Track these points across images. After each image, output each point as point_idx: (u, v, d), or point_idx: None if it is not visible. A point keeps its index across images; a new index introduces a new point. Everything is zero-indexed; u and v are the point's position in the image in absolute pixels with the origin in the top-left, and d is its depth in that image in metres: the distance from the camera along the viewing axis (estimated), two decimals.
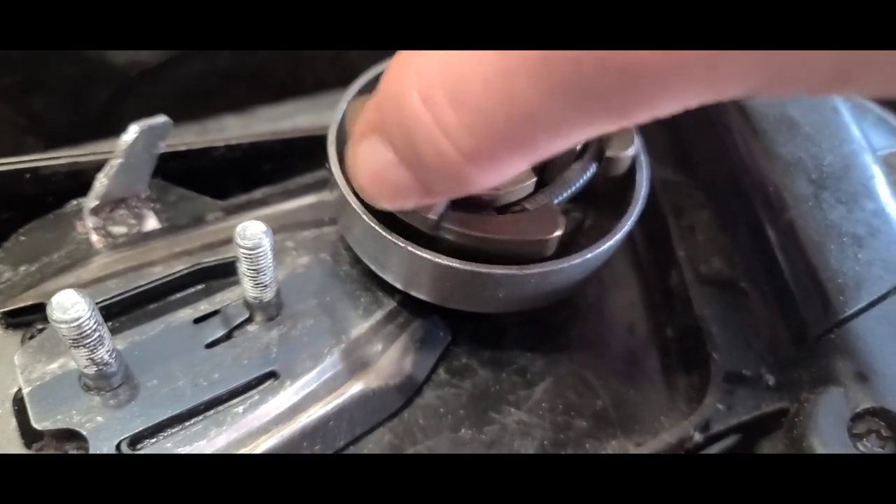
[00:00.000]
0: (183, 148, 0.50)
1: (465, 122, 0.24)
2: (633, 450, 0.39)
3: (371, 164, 0.29)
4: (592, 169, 0.40)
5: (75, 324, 0.33)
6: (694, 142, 0.51)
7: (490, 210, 0.37)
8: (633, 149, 0.40)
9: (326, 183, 0.50)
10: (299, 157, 0.54)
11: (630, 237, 0.50)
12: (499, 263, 0.36)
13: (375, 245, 0.39)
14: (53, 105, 0.68)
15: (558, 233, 0.37)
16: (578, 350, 0.45)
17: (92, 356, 0.35)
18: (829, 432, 0.33)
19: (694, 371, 0.44)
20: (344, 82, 0.45)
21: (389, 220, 0.38)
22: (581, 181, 0.39)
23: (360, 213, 0.38)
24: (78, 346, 0.34)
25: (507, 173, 0.26)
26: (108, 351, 0.36)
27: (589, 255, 0.38)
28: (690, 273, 0.46)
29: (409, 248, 0.37)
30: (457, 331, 0.44)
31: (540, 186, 0.38)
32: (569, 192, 0.38)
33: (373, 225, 0.38)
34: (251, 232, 0.36)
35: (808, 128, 0.46)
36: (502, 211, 0.38)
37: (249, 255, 0.36)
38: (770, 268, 0.42)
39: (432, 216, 0.36)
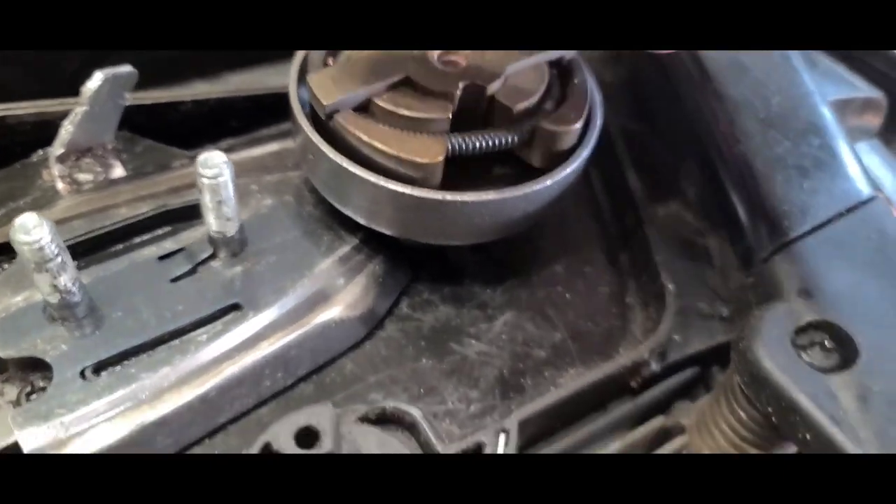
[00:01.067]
0: (149, 101, 0.51)
1: None
2: (588, 375, 0.40)
3: None
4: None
5: (37, 245, 0.33)
6: (651, 91, 0.53)
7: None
8: (579, 123, 0.41)
9: (289, 134, 0.51)
10: (266, 113, 0.55)
11: (587, 180, 0.52)
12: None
13: (339, 180, 0.40)
14: (22, 74, 0.68)
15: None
16: (537, 286, 0.46)
17: (55, 282, 0.35)
18: (773, 343, 0.35)
19: (650, 306, 0.46)
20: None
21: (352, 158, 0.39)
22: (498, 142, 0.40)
23: (325, 150, 0.39)
24: (41, 271, 0.35)
25: None
26: (72, 279, 0.36)
27: (549, 182, 0.39)
28: (646, 214, 0.48)
29: (372, 178, 0.38)
30: (418, 269, 0.46)
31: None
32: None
33: (337, 160, 0.39)
34: (213, 161, 0.37)
35: (758, 72, 0.47)
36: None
37: (211, 183, 0.37)
38: (721, 201, 0.43)
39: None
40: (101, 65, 0.46)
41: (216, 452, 0.37)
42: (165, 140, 0.51)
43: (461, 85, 0.40)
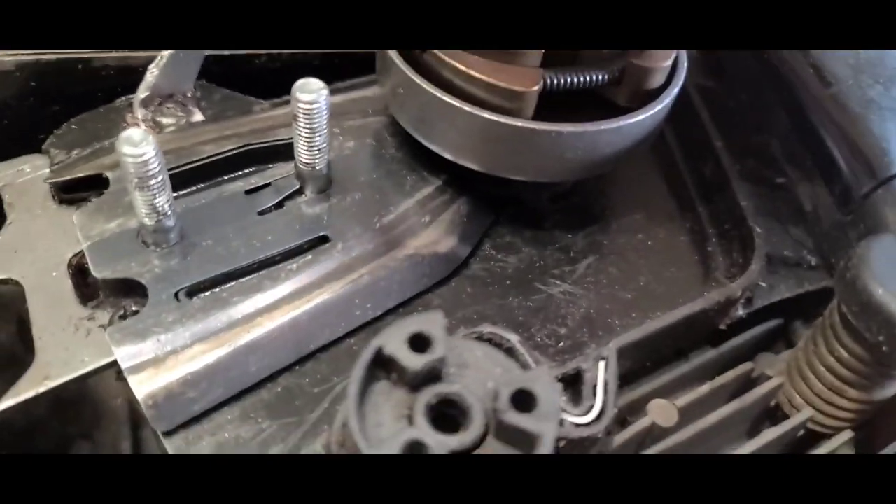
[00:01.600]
0: (226, 53, 0.51)
1: None
2: (681, 310, 0.39)
3: None
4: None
5: (142, 159, 0.33)
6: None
7: None
8: (669, 61, 0.41)
9: (366, 85, 0.51)
10: (336, 72, 0.55)
11: (661, 136, 0.51)
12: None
13: (429, 113, 0.40)
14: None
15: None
16: (617, 233, 0.46)
17: (154, 201, 0.36)
18: (883, 270, 0.34)
19: (734, 254, 0.45)
20: None
21: None
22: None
23: (418, 80, 0.39)
24: (142, 188, 0.35)
25: None
26: (168, 200, 0.36)
27: (643, 116, 0.38)
28: (727, 164, 0.47)
29: (466, 107, 0.38)
30: (498, 214, 0.45)
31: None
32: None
33: (430, 90, 0.39)
34: (310, 86, 0.37)
35: None
36: None
37: (307, 110, 0.37)
38: (813, 143, 0.43)
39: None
40: None
41: (307, 379, 0.37)
42: (239, 92, 0.51)
43: None
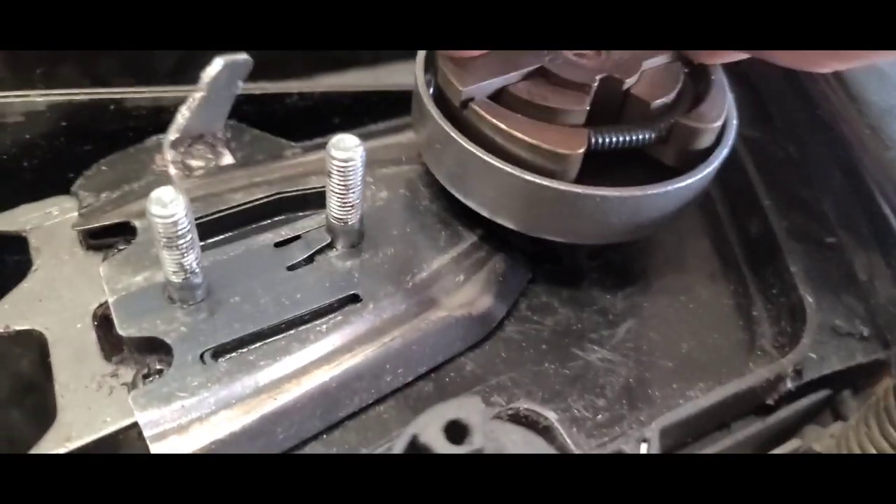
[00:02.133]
0: (258, 92, 0.50)
1: None
2: (726, 387, 0.37)
3: None
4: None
5: (171, 219, 0.32)
6: (772, 95, 0.50)
7: None
8: (719, 122, 0.39)
9: (399, 129, 0.50)
10: (367, 112, 0.54)
11: (707, 194, 0.49)
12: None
13: (467, 170, 0.38)
14: (118, 69, 0.69)
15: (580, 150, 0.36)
16: (659, 294, 0.44)
17: (182, 260, 0.34)
18: None
19: (782, 320, 0.43)
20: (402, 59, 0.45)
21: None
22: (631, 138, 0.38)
23: (456, 136, 0.38)
24: (171, 247, 0.34)
25: None
26: (197, 258, 0.35)
27: (691, 180, 0.37)
28: (775, 222, 0.45)
29: (507, 168, 0.36)
30: (535, 272, 0.44)
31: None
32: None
33: (469, 147, 0.37)
34: (346, 143, 0.36)
35: None
36: None
37: (342, 167, 0.36)
38: (868, 207, 0.41)
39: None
40: (197, 59, 0.46)
41: (335, 449, 0.35)
42: (270, 131, 0.50)
43: (598, 77, 0.38)
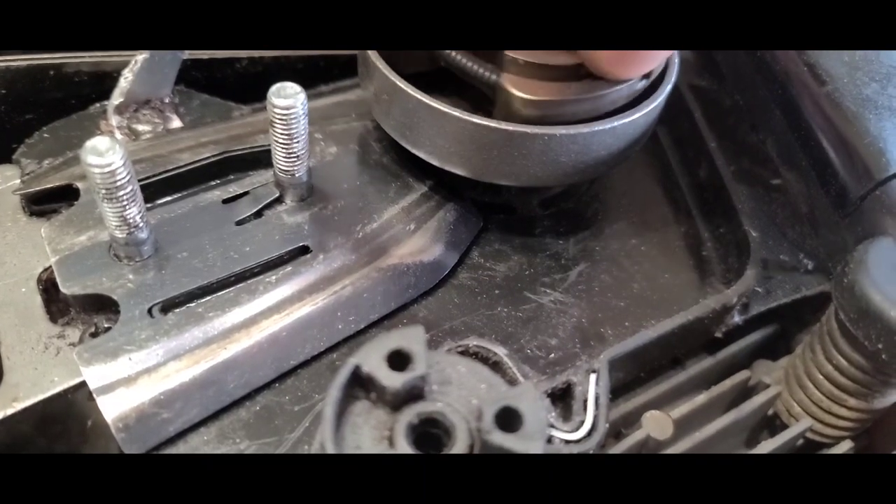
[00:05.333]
0: (206, 57, 0.50)
1: None
2: (675, 319, 0.38)
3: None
4: None
5: (109, 169, 0.32)
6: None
7: None
8: None
9: (349, 89, 0.50)
10: (320, 76, 0.53)
11: (654, 136, 0.50)
12: None
13: (415, 119, 0.38)
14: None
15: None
16: (610, 238, 0.44)
17: (125, 213, 0.34)
18: (882, 275, 0.33)
19: (729, 257, 0.44)
20: None
21: None
22: None
23: (402, 85, 0.37)
24: (111, 199, 0.33)
25: None
26: (140, 212, 0.35)
27: (639, 114, 0.37)
28: (722, 165, 0.46)
29: (456, 112, 0.36)
30: (487, 221, 0.44)
31: None
32: None
33: (417, 95, 0.37)
34: (287, 90, 0.35)
35: None
36: None
37: (284, 115, 0.36)
38: (808, 143, 0.41)
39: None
40: None
41: (287, 397, 0.35)
42: (220, 97, 0.50)
43: None
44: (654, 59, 0.37)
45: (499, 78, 0.37)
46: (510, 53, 0.37)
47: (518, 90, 0.37)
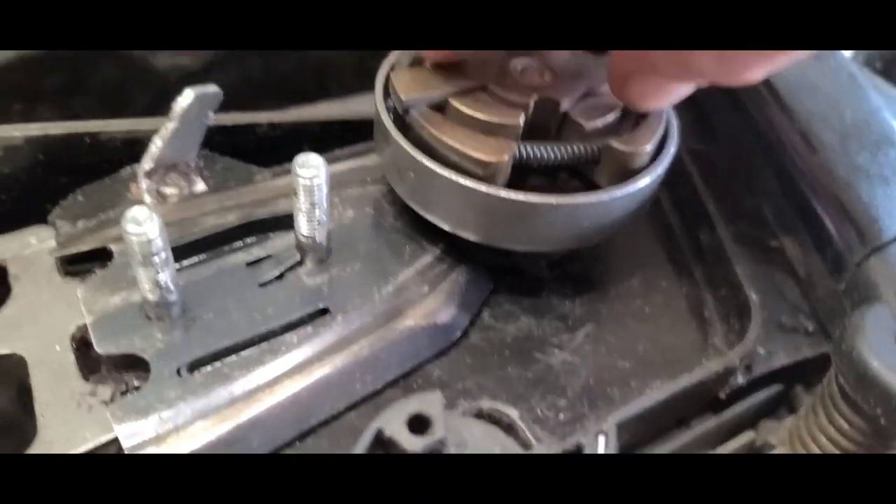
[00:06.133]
0: (228, 123, 0.52)
1: None
2: (679, 381, 0.40)
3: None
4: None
5: (146, 237, 0.34)
6: (715, 112, 0.54)
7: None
8: (650, 145, 0.42)
9: (364, 153, 0.53)
10: (336, 140, 0.56)
11: (656, 201, 0.52)
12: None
13: (428, 186, 0.40)
14: (95, 108, 0.71)
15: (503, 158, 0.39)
16: (615, 300, 0.46)
17: (157, 277, 0.36)
18: (879, 342, 0.34)
19: (731, 319, 0.45)
20: (369, 90, 0.47)
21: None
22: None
23: (415, 154, 0.40)
24: (146, 265, 0.35)
25: None
26: (172, 276, 0.37)
27: (642, 183, 0.39)
28: (721, 229, 0.48)
29: (462, 181, 0.39)
30: (497, 283, 0.46)
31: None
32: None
33: (427, 164, 0.39)
34: (310, 161, 0.38)
35: (827, 89, 0.48)
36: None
37: (307, 184, 0.38)
38: (803, 209, 0.43)
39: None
40: (170, 98, 0.48)
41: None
42: (240, 160, 0.52)
43: (535, 96, 0.41)
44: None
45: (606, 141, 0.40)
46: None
47: (625, 145, 0.40)
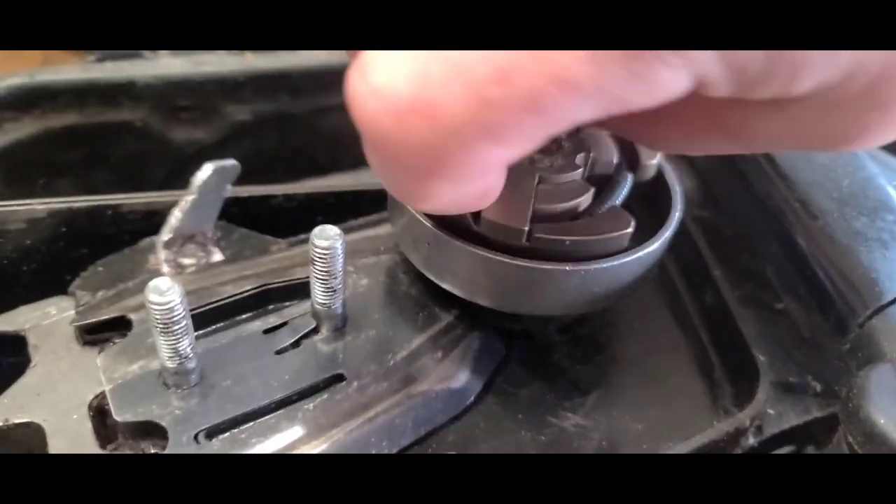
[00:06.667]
0: (244, 195, 0.54)
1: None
2: (690, 442, 0.40)
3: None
4: (630, 177, 0.43)
5: (168, 306, 0.35)
6: (716, 179, 0.55)
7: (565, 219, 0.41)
8: (657, 158, 0.44)
9: (377, 224, 0.54)
10: (349, 211, 0.58)
11: (662, 266, 0.53)
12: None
13: (440, 255, 0.42)
14: (114, 181, 0.73)
15: (631, 228, 0.40)
16: (625, 363, 0.47)
17: (177, 346, 0.37)
18: (885, 400, 0.35)
19: (739, 381, 0.46)
20: None
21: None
22: (628, 184, 0.42)
23: (425, 222, 0.41)
24: (166, 334, 0.36)
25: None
26: (191, 344, 0.38)
27: (650, 249, 0.40)
28: (726, 291, 0.49)
29: (471, 248, 0.40)
30: (509, 348, 0.46)
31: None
32: (623, 192, 0.42)
33: (441, 233, 0.40)
34: (327, 233, 0.39)
35: (824, 158, 0.50)
36: (575, 219, 0.41)
37: (324, 255, 0.39)
38: (805, 273, 0.45)
39: (524, 227, 0.39)
40: (187, 171, 0.50)
41: None
42: (256, 231, 0.54)
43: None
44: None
45: None
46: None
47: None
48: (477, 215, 0.40)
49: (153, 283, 0.35)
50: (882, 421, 0.34)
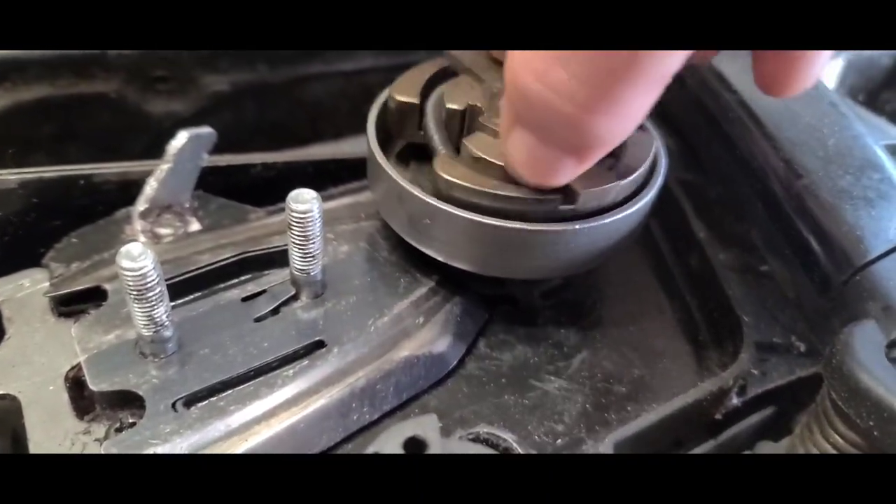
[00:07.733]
0: (222, 164, 0.53)
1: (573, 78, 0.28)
2: (675, 402, 0.40)
3: (522, 153, 0.35)
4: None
5: (140, 272, 0.34)
6: (701, 142, 0.55)
7: None
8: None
9: (357, 191, 0.53)
10: (329, 179, 0.57)
11: (647, 230, 0.53)
12: None
13: (424, 219, 0.41)
14: (89, 155, 0.72)
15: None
16: (610, 327, 0.46)
17: (152, 313, 0.36)
18: (868, 357, 0.34)
19: (725, 343, 0.46)
20: (361, 132, 0.48)
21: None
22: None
23: (412, 190, 0.40)
24: (140, 300, 0.36)
25: (625, 116, 0.30)
26: (167, 311, 0.37)
27: (629, 211, 0.40)
28: (712, 254, 0.48)
29: (455, 211, 0.39)
30: (491, 312, 0.46)
31: None
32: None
33: (422, 196, 0.40)
34: (304, 196, 0.38)
35: (810, 118, 0.49)
36: None
37: (301, 219, 0.38)
38: (789, 233, 0.44)
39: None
40: (165, 144, 0.49)
41: None
42: (236, 200, 0.53)
43: None
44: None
45: None
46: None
47: None
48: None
49: (125, 248, 0.35)
50: (865, 376, 0.34)
